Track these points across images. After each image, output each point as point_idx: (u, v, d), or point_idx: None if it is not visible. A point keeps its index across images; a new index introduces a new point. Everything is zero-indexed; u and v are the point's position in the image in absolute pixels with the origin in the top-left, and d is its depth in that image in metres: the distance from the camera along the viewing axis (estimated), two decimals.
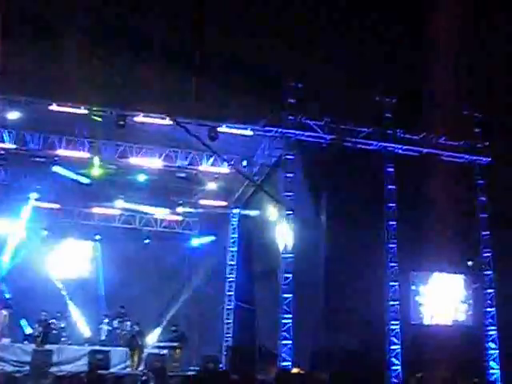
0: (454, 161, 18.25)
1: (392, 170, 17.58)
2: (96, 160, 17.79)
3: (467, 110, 18.19)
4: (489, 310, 17.68)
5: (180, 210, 21.89)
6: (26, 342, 18.02)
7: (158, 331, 19.86)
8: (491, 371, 16.84)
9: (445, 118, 17.37)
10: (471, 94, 17.81)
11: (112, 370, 15.99)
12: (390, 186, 17.48)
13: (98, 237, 22.88)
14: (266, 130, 17.16)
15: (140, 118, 16.64)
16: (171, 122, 16.55)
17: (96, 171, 18.40)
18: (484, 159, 18.48)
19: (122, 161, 18.43)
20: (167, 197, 21.40)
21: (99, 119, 16.07)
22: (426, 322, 17.76)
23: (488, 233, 18.17)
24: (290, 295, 16.03)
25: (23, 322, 18.93)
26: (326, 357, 15.49)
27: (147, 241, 22.84)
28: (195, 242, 23.24)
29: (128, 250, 21.99)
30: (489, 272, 17.92)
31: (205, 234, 23.28)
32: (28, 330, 18.62)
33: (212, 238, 23.01)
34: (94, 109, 16.04)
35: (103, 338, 19.43)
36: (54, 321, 18.82)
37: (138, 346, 17.69)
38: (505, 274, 17.66)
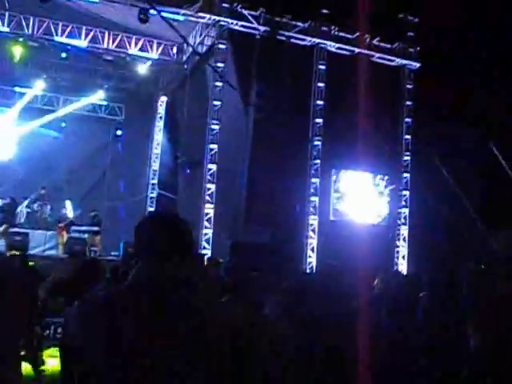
0: (384, 63, 18.37)
1: (323, 67, 17.54)
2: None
3: (402, 14, 18.16)
4: (402, 210, 18.50)
5: (105, 94, 21.25)
6: None
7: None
8: (399, 267, 17.83)
9: (379, 18, 17.24)
10: None
11: (30, 252, 15.90)
12: (319, 84, 17.50)
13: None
14: (198, 16, 16.61)
15: None
16: (98, 0, 15.80)
17: (18, 49, 17.59)
18: (414, 64, 18.67)
19: (45, 38, 17.58)
20: (92, 80, 20.70)
21: None
22: (344, 218, 18.38)
23: (409, 137, 18.69)
24: (213, 185, 16.18)
25: None
26: (244, 249, 15.86)
27: (64, 124, 22.03)
28: (117, 129, 22.75)
29: (49, 134, 21.33)
30: (406, 174, 18.58)
31: (129, 120, 22.82)
32: None
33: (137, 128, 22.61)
34: None
35: (22, 220, 19.15)
36: None
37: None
38: (420, 177, 18.39)
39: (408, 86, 18.73)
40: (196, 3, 16.36)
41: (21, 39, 17.54)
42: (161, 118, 22.68)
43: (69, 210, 18.46)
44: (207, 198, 16.13)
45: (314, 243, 17.01)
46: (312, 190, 17.25)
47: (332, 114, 17.20)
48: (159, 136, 22.55)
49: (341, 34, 17.76)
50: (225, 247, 16.13)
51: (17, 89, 21.27)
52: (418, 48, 18.61)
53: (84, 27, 17.89)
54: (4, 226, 16.78)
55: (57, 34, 17.66)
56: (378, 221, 18.79)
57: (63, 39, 17.73)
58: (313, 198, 17.24)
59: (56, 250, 17.50)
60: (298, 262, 16.57)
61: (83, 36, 17.89)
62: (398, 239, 18.30)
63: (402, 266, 17.90)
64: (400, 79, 18.75)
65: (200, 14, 16.53)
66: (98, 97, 21.39)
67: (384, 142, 18.02)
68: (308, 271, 15.61)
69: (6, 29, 17.12)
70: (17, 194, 19.15)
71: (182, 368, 2.22)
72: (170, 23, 14.41)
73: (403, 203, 18.50)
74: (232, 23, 16.58)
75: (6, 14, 17.15)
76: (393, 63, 18.54)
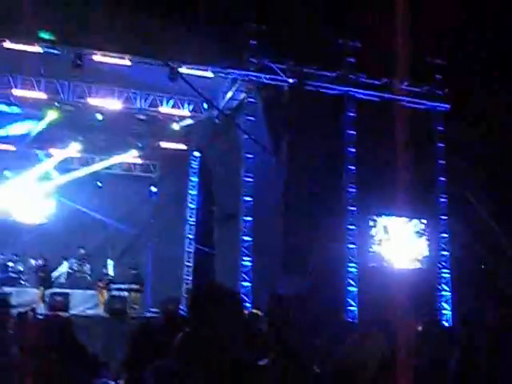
0: (414, 107, 18.38)
1: (353, 114, 17.63)
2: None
3: (429, 56, 18.24)
4: (443, 253, 18.18)
5: (139, 153, 21.61)
6: None
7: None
8: (444, 312, 17.43)
9: (406, 63, 17.32)
10: (433, 40, 17.79)
11: (72, 312, 16.00)
12: (350, 131, 17.56)
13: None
14: (227, 72, 16.93)
15: (98, 57, 16.24)
16: (130, 63, 16.25)
17: (53, 114, 18.12)
18: (443, 106, 18.65)
19: (79, 101, 18.08)
20: (126, 140, 21.10)
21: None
22: (383, 265, 18.13)
23: (444, 179, 18.52)
24: (250, 238, 16.17)
25: None
26: (283, 301, 15.69)
27: (100, 184, 22.33)
28: (153, 186, 23.05)
29: (86, 194, 21.66)
30: (444, 217, 18.34)
31: (164, 177, 23.11)
32: None
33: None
34: (49, 46, 15.57)
35: (62, 280, 19.34)
36: (11, 264, 18.67)
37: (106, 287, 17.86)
38: (459, 220, 18.12)
39: (439, 128, 18.67)
40: (225, 60, 16.69)
41: (56, 103, 18.04)
42: (195, 172, 22.92)
43: (110, 269, 18.66)
44: (244, 250, 16.11)
45: (354, 291, 16.77)
46: (349, 238, 17.11)
47: (365, 160, 17.19)
48: (194, 191, 22.75)
49: (368, 80, 17.88)
50: (264, 299, 15.99)
51: (51, 150, 21.77)
52: (447, 90, 18.60)
53: (117, 89, 18.38)
54: (40, 290, 16.92)
55: (90, 97, 18.17)
56: (417, 265, 18.49)
57: (97, 101, 18.21)
58: (350, 246, 17.09)
59: (96, 309, 17.60)
60: (338, 311, 16.32)
61: (116, 97, 18.37)
62: (440, 283, 17.93)
63: (446, 311, 17.48)
64: (430, 122, 18.71)
65: (229, 70, 16.86)
66: (133, 155, 21.76)
67: (419, 185, 17.86)
68: (350, 320, 15.38)
69: (43, 95, 17.67)
70: (55, 254, 19.44)
71: None
72: (194, 87, 14.71)
73: (443, 246, 18.19)
74: (261, 77, 16.85)
75: (42, 80, 17.75)
76: (422, 106, 18.55)
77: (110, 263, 18.85)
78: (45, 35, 15.38)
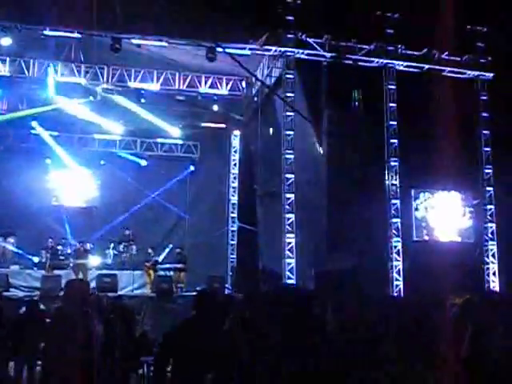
0: (456, 77, 18.00)
1: (393, 87, 17.38)
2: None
3: (470, 24, 17.78)
4: (489, 225, 17.88)
5: (180, 133, 21.77)
6: (35, 269, 18.38)
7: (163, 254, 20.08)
8: (491, 284, 17.19)
9: (447, 32, 16.97)
10: (475, 6, 17.33)
11: (120, 293, 16.34)
12: (391, 104, 17.32)
13: (102, 162, 22.69)
14: (264, 48, 16.84)
15: (136, 41, 16.35)
16: (166, 44, 16.32)
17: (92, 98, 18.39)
18: (487, 74, 18.21)
19: (119, 85, 18.29)
20: (166, 121, 21.25)
21: None
22: (427, 238, 17.95)
23: (489, 149, 18.16)
24: (292, 215, 16.18)
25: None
26: (329, 277, 15.71)
27: (145, 163, 22.61)
28: (194, 166, 23.26)
29: (130, 176, 21.95)
30: (489, 188, 18.01)
31: (206, 157, 23.25)
32: (35, 259, 18.92)
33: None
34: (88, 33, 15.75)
35: (110, 262, 19.75)
36: (60, 247, 19.14)
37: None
38: (504, 190, 17.76)
39: (483, 98, 18.26)
40: (261, 37, 16.60)
41: (96, 88, 18.30)
42: (235, 151, 23.00)
43: (164, 253, 19.14)
44: (288, 227, 16.13)
45: (399, 266, 16.66)
46: (393, 212, 16.97)
47: (406, 133, 16.95)
48: (235, 169, 22.84)
49: (408, 52, 17.57)
50: (309, 276, 16.07)
51: (96, 136, 22.11)
52: (490, 58, 18.14)
53: (155, 71, 18.53)
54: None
55: (130, 80, 18.36)
56: (462, 238, 18.24)
57: (136, 84, 18.40)
58: (394, 220, 16.94)
59: (144, 289, 17.93)
60: (384, 286, 16.26)
61: (155, 79, 18.52)
62: (487, 256, 17.67)
63: (494, 284, 17.24)
64: (474, 91, 18.31)
65: (266, 47, 16.77)
66: (174, 136, 21.93)
67: (462, 156, 17.55)
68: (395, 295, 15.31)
69: (83, 80, 17.94)
70: (102, 236, 19.86)
71: None
72: (237, 60, 14.67)
73: (489, 218, 17.89)
74: (298, 52, 16.72)
75: (82, 66, 18.00)
76: (465, 76, 18.14)
77: (167, 250, 19.38)
78: None
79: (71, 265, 18.21)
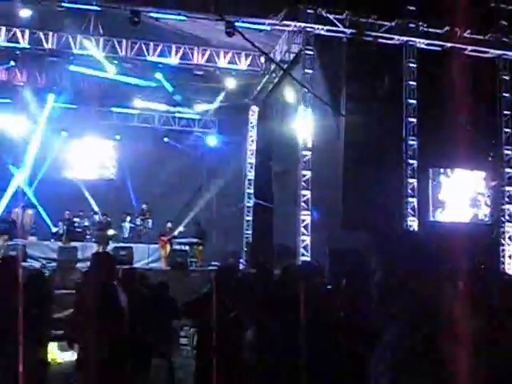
0: (478, 56, 17.71)
1: (413, 65, 17.16)
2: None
3: (494, 2, 17.44)
4: (506, 207, 17.72)
5: (198, 108, 21.75)
6: (52, 240, 18.60)
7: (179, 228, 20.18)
8: (507, 266, 17.08)
9: (470, 10, 16.67)
10: None
11: (135, 266, 16.47)
12: (410, 82, 17.11)
13: (118, 136, 22.90)
14: (283, 24, 16.68)
15: (155, 15, 16.28)
16: (185, 18, 16.23)
17: (111, 69, 18.35)
18: (510, 54, 17.90)
19: (138, 58, 18.27)
20: (184, 95, 21.23)
21: None
22: (444, 218, 17.83)
23: (509, 130, 17.92)
24: (308, 192, 16.16)
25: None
26: (343, 255, 15.69)
27: (166, 139, 22.86)
28: (211, 141, 23.28)
29: (147, 149, 22.04)
30: (508, 170, 17.82)
31: (223, 132, 23.24)
32: (53, 229, 19.15)
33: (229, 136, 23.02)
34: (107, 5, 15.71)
35: (126, 235, 19.90)
36: (77, 219, 19.31)
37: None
38: None
39: (505, 77, 17.98)
40: (281, 12, 16.43)
41: (115, 61, 18.29)
42: (253, 127, 22.93)
43: (181, 226, 19.28)
44: (303, 204, 16.12)
45: None
46: (409, 191, 16.85)
47: (426, 112, 16.76)
48: (253, 146, 22.79)
49: (429, 29, 17.31)
50: (323, 253, 16.05)
51: (114, 109, 22.16)
52: None
53: (174, 45, 18.46)
54: (98, 246, 17.31)
55: (148, 54, 18.32)
56: (479, 219, 18.11)
57: (154, 58, 18.36)
58: (411, 199, 16.84)
59: (159, 263, 18.06)
60: None
61: (173, 53, 18.46)
62: (504, 238, 17.54)
63: (510, 266, 17.14)
64: (496, 71, 18.02)
65: (285, 22, 16.61)
66: (191, 111, 21.94)
67: (482, 137, 17.34)
68: None
69: (102, 53, 17.93)
70: (119, 209, 19.98)
71: None
72: (251, 42, 14.56)
73: (507, 199, 17.72)
74: (318, 28, 16.54)
75: (101, 39, 17.98)
76: (487, 55, 17.85)
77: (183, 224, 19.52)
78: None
79: (94, 237, 18.39)
